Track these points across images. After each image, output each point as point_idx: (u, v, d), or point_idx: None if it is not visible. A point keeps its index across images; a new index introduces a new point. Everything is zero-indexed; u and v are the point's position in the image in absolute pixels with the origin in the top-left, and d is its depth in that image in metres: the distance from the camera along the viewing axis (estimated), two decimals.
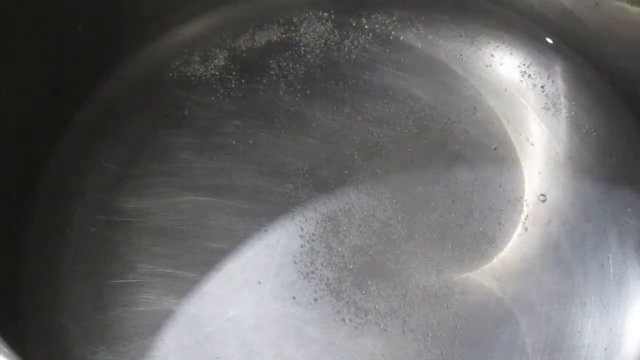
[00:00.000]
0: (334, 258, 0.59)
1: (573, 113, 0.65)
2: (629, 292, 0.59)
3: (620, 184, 0.62)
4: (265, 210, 0.61)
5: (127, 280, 0.59)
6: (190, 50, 0.67)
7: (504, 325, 0.58)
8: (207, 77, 0.66)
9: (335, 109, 0.65)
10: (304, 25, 0.68)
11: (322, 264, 0.59)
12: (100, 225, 0.61)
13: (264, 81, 0.66)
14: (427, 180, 0.62)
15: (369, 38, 0.68)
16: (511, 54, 0.67)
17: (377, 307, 0.58)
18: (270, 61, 0.67)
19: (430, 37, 0.68)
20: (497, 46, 0.67)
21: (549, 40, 0.68)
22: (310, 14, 0.69)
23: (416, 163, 0.63)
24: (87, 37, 0.63)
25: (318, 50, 0.67)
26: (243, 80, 0.66)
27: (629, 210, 0.62)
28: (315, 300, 0.58)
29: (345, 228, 0.60)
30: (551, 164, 0.63)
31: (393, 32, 0.68)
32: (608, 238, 0.61)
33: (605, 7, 0.64)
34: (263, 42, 0.68)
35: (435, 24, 0.68)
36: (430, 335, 0.57)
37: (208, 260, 0.59)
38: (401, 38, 0.68)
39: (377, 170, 0.62)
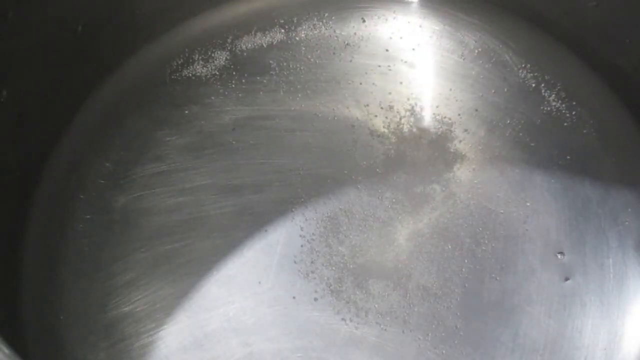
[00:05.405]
0: (334, 258, 0.59)
1: (573, 113, 0.65)
2: (629, 292, 0.59)
3: (620, 184, 0.62)
4: (265, 210, 0.61)
5: (127, 280, 0.59)
6: (191, 50, 0.67)
7: (504, 325, 0.58)
8: (208, 77, 0.66)
9: (335, 109, 0.65)
10: (304, 25, 0.68)
11: (322, 264, 0.59)
12: (100, 225, 0.61)
13: (265, 81, 0.66)
14: (427, 180, 0.62)
15: (370, 38, 0.68)
16: (511, 54, 0.67)
17: (377, 307, 0.58)
18: (271, 61, 0.67)
19: (430, 37, 0.68)
20: (498, 47, 0.67)
21: (549, 41, 0.68)
22: (311, 14, 0.69)
23: (416, 163, 0.63)
24: (87, 37, 0.63)
25: (318, 51, 0.67)
26: (243, 80, 0.66)
27: (629, 210, 0.62)
28: (315, 300, 0.58)
29: (345, 228, 0.60)
30: (551, 164, 0.63)
31: (393, 33, 0.68)
32: (608, 238, 0.61)
33: (605, 7, 0.64)
34: (264, 41, 0.68)
35: (436, 25, 0.68)
36: (430, 335, 0.57)
37: (208, 260, 0.59)
38: (401, 38, 0.68)
39: (377, 170, 0.62)
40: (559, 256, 0.60)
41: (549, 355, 0.57)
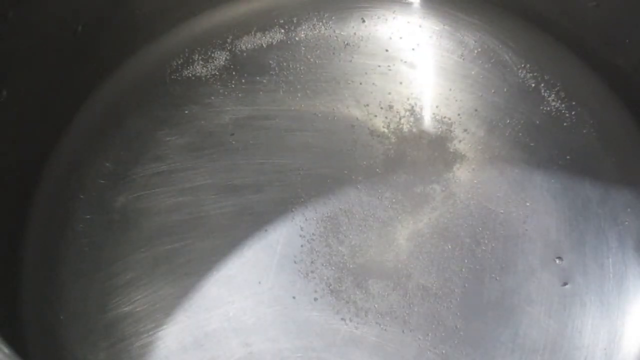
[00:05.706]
0: (334, 258, 0.59)
1: (573, 113, 0.65)
2: (628, 292, 0.59)
3: (620, 184, 0.62)
4: (265, 210, 0.61)
5: (127, 280, 0.59)
6: (191, 50, 0.67)
7: (504, 325, 0.58)
8: (207, 77, 0.66)
9: (335, 109, 0.65)
10: (304, 25, 0.68)
11: (322, 264, 0.59)
12: (100, 225, 0.61)
13: (264, 81, 0.66)
14: (427, 180, 0.62)
15: (370, 38, 0.68)
16: (511, 54, 0.67)
17: (377, 307, 0.58)
18: (271, 61, 0.67)
19: (430, 37, 0.68)
20: (498, 47, 0.67)
21: (549, 41, 0.68)
22: (311, 14, 0.69)
23: (416, 163, 0.63)
24: (87, 37, 0.63)
25: (318, 51, 0.67)
26: (243, 80, 0.66)
27: (629, 210, 0.62)
28: (315, 300, 0.58)
29: (345, 228, 0.60)
30: (551, 164, 0.63)
31: (393, 33, 0.68)
32: (608, 238, 0.61)
33: (605, 7, 0.64)
34: (263, 41, 0.68)
35: (436, 25, 0.68)
36: (430, 335, 0.57)
37: (208, 260, 0.59)
38: (401, 38, 0.68)
39: (377, 170, 0.62)
40: (557, 261, 0.60)
41: (549, 355, 0.57)
